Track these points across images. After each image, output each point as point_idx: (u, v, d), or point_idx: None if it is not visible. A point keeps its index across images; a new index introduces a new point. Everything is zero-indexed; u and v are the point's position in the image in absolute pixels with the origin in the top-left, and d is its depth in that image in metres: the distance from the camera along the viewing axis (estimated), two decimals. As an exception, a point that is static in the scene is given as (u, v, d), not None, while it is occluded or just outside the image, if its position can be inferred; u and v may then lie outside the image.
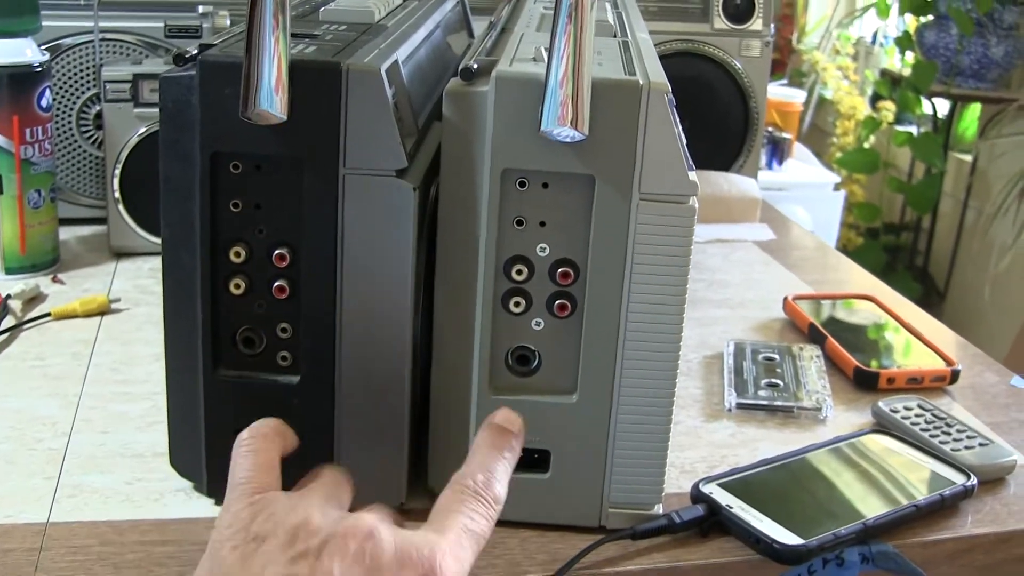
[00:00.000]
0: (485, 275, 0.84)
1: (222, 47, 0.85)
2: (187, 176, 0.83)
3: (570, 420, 0.87)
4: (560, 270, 0.84)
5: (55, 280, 1.39)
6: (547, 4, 1.18)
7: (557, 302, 0.85)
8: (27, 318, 1.26)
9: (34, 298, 1.33)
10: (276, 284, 0.85)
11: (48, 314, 1.27)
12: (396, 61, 0.87)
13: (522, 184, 0.83)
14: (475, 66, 0.83)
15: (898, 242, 4.08)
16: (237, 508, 0.69)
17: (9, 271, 1.38)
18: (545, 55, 0.79)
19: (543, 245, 0.84)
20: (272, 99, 0.77)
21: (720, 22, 1.79)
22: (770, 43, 1.81)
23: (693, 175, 0.82)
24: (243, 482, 0.71)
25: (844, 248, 3.95)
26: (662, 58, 1.70)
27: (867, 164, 3.98)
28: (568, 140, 0.79)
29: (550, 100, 0.77)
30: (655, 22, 1.75)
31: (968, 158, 3.82)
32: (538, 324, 0.86)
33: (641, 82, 0.80)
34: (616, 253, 0.83)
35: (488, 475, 0.75)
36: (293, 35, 0.88)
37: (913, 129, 3.90)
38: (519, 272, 0.84)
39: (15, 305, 1.29)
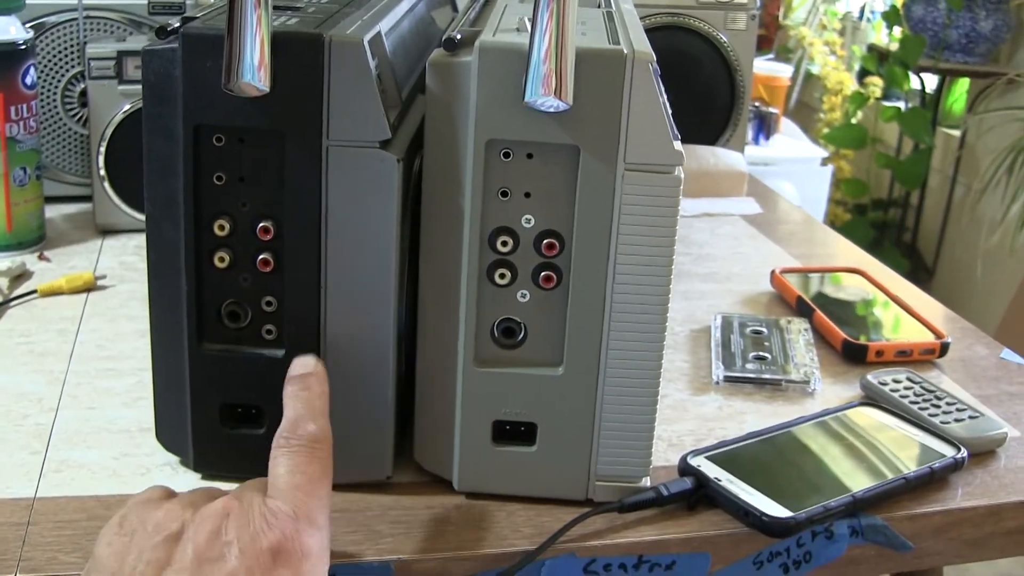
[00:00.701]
0: (470, 247, 0.84)
1: (204, 20, 0.85)
2: (170, 150, 0.83)
3: (556, 393, 0.87)
4: (545, 241, 0.84)
5: (41, 258, 1.38)
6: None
7: (543, 273, 0.85)
8: (13, 295, 1.26)
9: (20, 275, 1.32)
10: (260, 257, 0.84)
11: (34, 291, 1.27)
12: (379, 33, 0.86)
13: (506, 155, 0.82)
14: (458, 36, 0.83)
15: (886, 218, 4.08)
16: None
17: (-5, 249, 1.38)
18: (528, 25, 0.79)
19: (528, 216, 0.84)
20: (254, 71, 0.77)
21: (706, -5, 1.78)
22: (756, 16, 1.80)
23: (678, 145, 0.82)
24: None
25: (832, 224, 3.96)
26: (647, 31, 1.70)
27: (855, 140, 3.98)
28: (552, 110, 0.79)
29: (534, 70, 0.77)
30: (641, -5, 1.75)
31: (956, 133, 3.82)
32: (523, 296, 0.86)
33: (625, 51, 0.80)
34: (601, 224, 0.83)
35: (290, 422, 0.77)
36: (275, 7, 0.87)
37: (901, 104, 3.91)
38: (504, 244, 0.84)
39: (2, 283, 1.28)
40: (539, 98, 0.78)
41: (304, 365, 0.82)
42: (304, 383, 0.80)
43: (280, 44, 0.79)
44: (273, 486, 0.74)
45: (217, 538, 0.69)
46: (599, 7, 1.00)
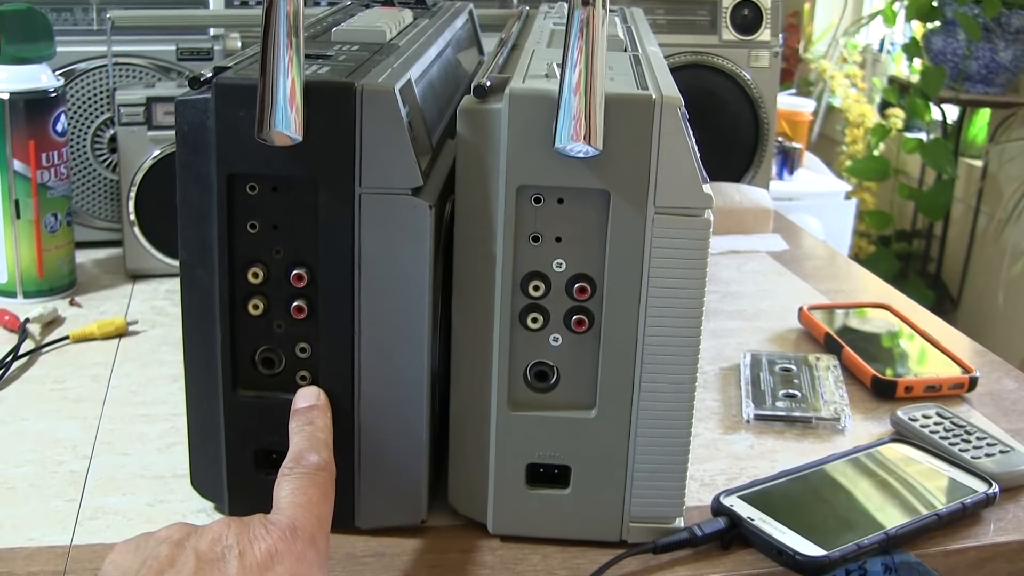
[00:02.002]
0: (502, 291, 0.85)
1: (236, 69, 0.86)
2: (204, 198, 0.83)
3: (589, 435, 0.87)
4: (577, 285, 0.85)
5: (72, 303, 1.39)
6: (557, 20, 1.18)
7: (574, 317, 0.85)
8: (46, 341, 1.27)
9: (52, 321, 1.33)
10: (294, 304, 0.85)
11: (66, 337, 1.28)
12: (409, 80, 0.87)
13: (537, 200, 0.83)
14: (488, 83, 0.84)
15: (910, 249, 4.07)
16: None
17: (27, 295, 1.39)
18: (557, 71, 0.79)
19: (559, 260, 0.84)
20: (287, 120, 0.78)
21: (728, 33, 1.79)
22: (779, 53, 1.81)
23: (707, 188, 0.82)
24: None
25: (856, 256, 3.95)
26: (671, 70, 1.71)
27: (877, 172, 3.98)
28: (582, 156, 0.79)
29: (564, 116, 0.78)
30: (664, 35, 1.75)
31: (979, 163, 3.81)
32: (556, 340, 0.86)
33: (654, 96, 0.80)
34: (632, 267, 0.83)
35: (294, 454, 0.81)
36: (306, 56, 0.88)
37: (923, 135, 3.90)
38: (536, 288, 0.85)
39: (34, 329, 1.29)
40: (569, 144, 0.78)
41: (307, 397, 0.85)
42: (308, 417, 0.84)
43: (312, 93, 0.79)
44: (275, 507, 0.77)
45: (218, 542, 0.72)
46: (625, 51, 1.01)
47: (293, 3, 0.76)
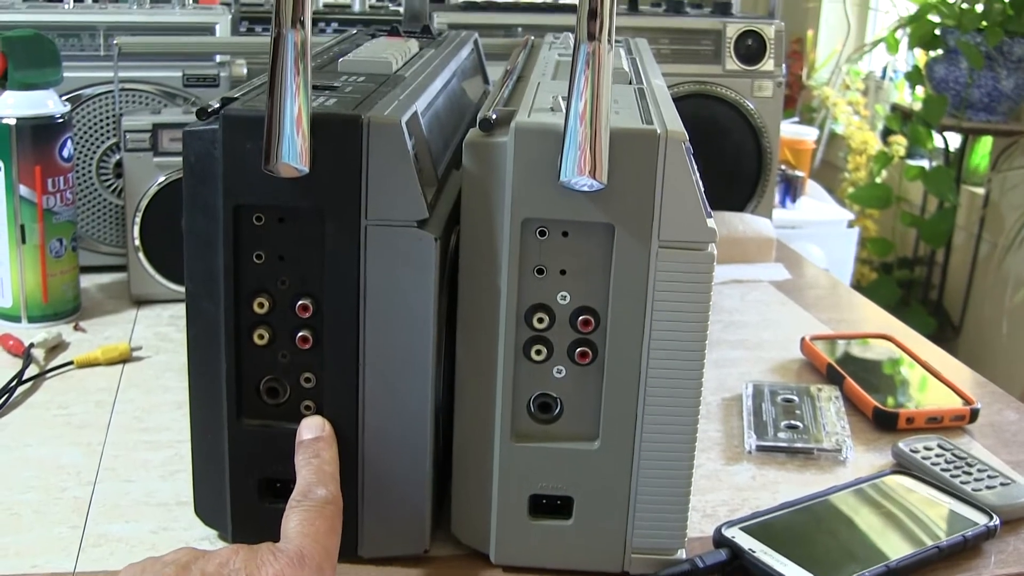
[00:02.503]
0: (506, 323, 0.85)
1: (243, 100, 0.86)
2: (210, 228, 0.84)
3: (592, 467, 0.88)
4: (581, 318, 0.85)
5: (77, 328, 1.40)
6: (562, 51, 1.19)
7: (578, 350, 0.86)
8: (50, 367, 1.27)
9: (56, 346, 1.34)
10: (300, 334, 0.86)
11: (71, 362, 1.28)
12: (415, 112, 0.88)
13: (542, 233, 0.83)
14: (494, 116, 0.84)
15: (912, 276, 4.08)
16: None
17: (32, 320, 1.39)
18: (563, 104, 0.80)
19: (563, 293, 0.85)
20: (294, 152, 0.78)
21: (732, 63, 1.80)
22: (782, 83, 1.82)
23: (711, 222, 0.83)
24: None
25: (858, 283, 3.96)
26: (675, 100, 1.71)
27: (880, 199, 3.99)
28: (587, 190, 0.80)
29: (569, 150, 0.78)
30: (668, 64, 1.76)
31: (981, 191, 3.82)
32: (560, 372, 0.87)
33: (659, 131, 0.81)
34: (636, 301, 0.84)
35: (302, 488, 0.82)
36: (313, 87, 0.89)
37: (925, 163, 3.91)
38: (540, 320, 0.85)
39: (38, 354, 1.30)
40: (574, 178, 0.79)
41: (312, 429, 0.86)
42: (314, 449, 0.85)
43: (319, 125, 0.80)
44: (284, 537, 0.78)
45: (225, 567, 0.73)
46: (630, 83, 1.01)
47: (300, 34, 0.77)
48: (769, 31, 1.81)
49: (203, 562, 0.73)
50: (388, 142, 0.81)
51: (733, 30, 1.80)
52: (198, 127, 0.83)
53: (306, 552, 0.75)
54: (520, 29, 1.71)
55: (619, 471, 0.88)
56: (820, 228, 3.50)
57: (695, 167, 0.83)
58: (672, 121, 0.85)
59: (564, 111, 0.79)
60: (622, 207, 0.82)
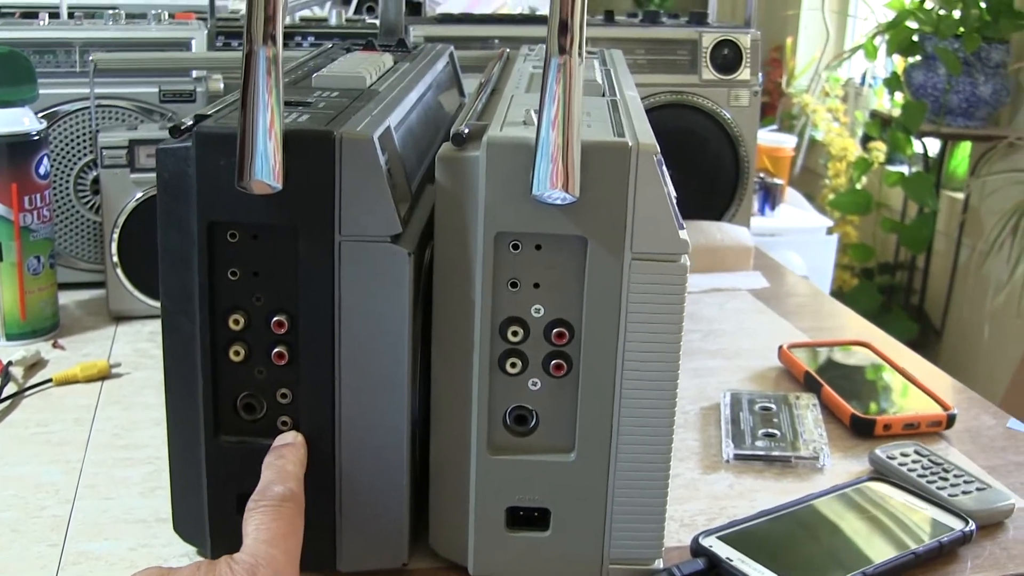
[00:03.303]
0: (481, 337, 0.85)
1: (216, 118, 0.86)
2: (185, 245, 0.84)
3: (569, 478, 0.88)
4: (555, 330, 0.85)
5: (56, 345, 1.40)
6: (536, 63, 1.19)
7: (553, 362, 0.86)
8: (28, 384, 1.27)
9: (35, 364, 1.34)
10: (275, 351, 0.86)
11: (49, 380, 1.28)
12: (388, 127, 0.88)
13: (515, 247, 0.84)
14: (466, 131, 0.84)
15: (893, 282, 4.09)
16: None
17: (10, 337, 1.39)
18: (535, 118, 0.80)
19: (538, 306, 0.85)
20: (267, 169, 0.78)
21: (708, 73, 1.80)
22: (758, 92, 1.82)
23: (684, 233, 0.83)
24: None
25: (839, 289, 3.97)
26: (652, 110, 1.73)
27: (860, 205, 4.00)
28: (560, 203, 0.80)
29: (541, 164, 0.79)
30: (644, 75, 1.77)
31: (960, 196, 3.83)
32: (535, 384, 0.87)
33: (630, 143, 0.81)
34: (610, 312, 0.84)
35: (261, 485, 0.82)
36: (286, 103, 0.89)
37: (904, 169, 3.92)
38: (515, 333, 0.86)
39: (16, 372, 1.30)
40: (546, 191, 0.79)
41: (282, 438, 0.87)
42: (279, 452, 0.85)
43: (292, 142, 0.80)
44: (243, 544, 0.78)
45: None
46: (604, 95, 1.02)
47: (272, 50, 0.77)
48: (745, 40, 1.82)
49: None
50: (360, 158, 0.81)
51: (709, 40, 1.81)
52: (171, 145, 0.83)
53: (261, 559, 0.76)
54: (497, 41, 1.72)
55: (595, 482, 0.88)
56: (799, 235, 3.52)
57: (667, 179, 0.83)
58: (644, 133, 0.85)
59: (536, 125, 0.79)
60: (594, 220, 0.82)
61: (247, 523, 0.79)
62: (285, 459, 0.84)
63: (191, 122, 0.85)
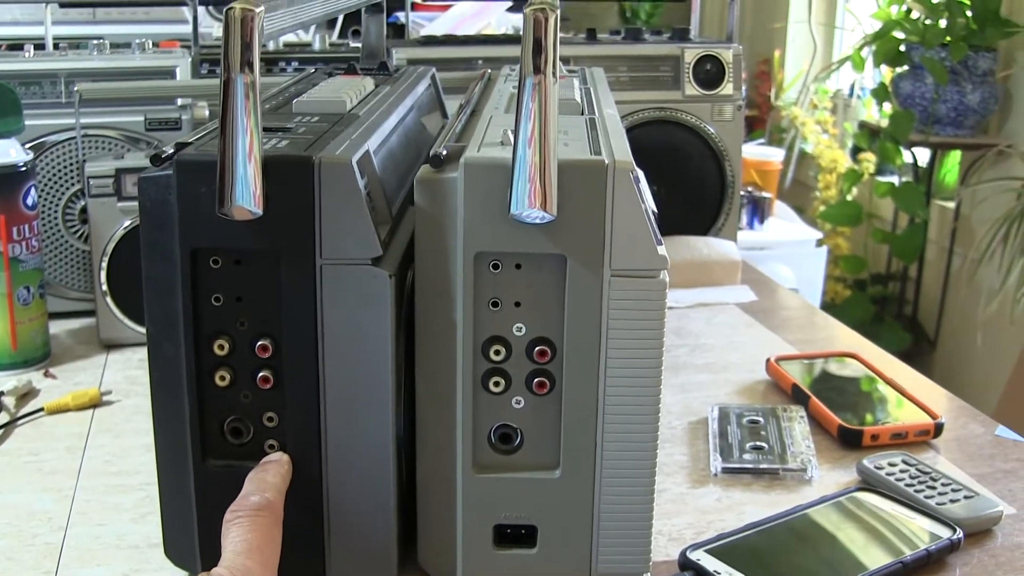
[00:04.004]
0: (464, 357, 0.86)
1: (197, 145, 0.87)
2: (168, 272, 0.85)
3: (555, 495, 0.88)
4: (537, 348, 0.86)
5: (47, 375, 1.40)
6: (516, 83, 1.19)
7: (536, 380, 0.87)
8: (20, 414, 1.28)
9: (27, 394, 1.34)
10: (260, 375, 0.86)
11: (41, 409, 1.28)
12: (367, 151, 0.88)
13: (495, 266, 0.84)
14: (444, 152, 0.85)
15: (885, 292, 4.09)
16: None
17: (1, 368, 1.39)
18: (512, 138, 0.81)
19: (519, 325, 0.86)
20: (247, 195, 0.79)
21: (691, 88, 1.81)
22: (742, 107, 1.83)
23: (662, 249, 0.84)
24: None
25: (831, 301, 3.97)
26: (636, 127, 1.73)
27: (850, 216, 4.00)
28: (538, 222, 0.81)
29: (518, 183, 0.79)
30: (627, 91, 1.77)
31: (951, 205, 3.84)
32: (518, 402, 0.87)
33: (606, 161, 0.82)
34: (591, 329, 0.84)
35: (240, 496, 0.83)
36: (267, 129, 0.90)
37: (895, 179, 3.93)
38: (497, 352, 0.86)
39: (8, 401, 1.30)
40: (524, 211, 0.80)
41: (270, 457, 0.87)
42: (262, 467, 0.86)
43: (271, 167, 0.81)
44: (221, 559, 0.78)
45: None
46: (582, 114, 1.02)
47: (250, 77, 0.78)
48: (727, 55, 1.83)
49: None
50: (340, 182, 0.82)
51: (691, 55, 1.82)
52: (153, 173, 0.84)
53: (238, 571, 0.76)
54: (480, 62, 1.73)
55: (581, 498, 0.88)
56: (789, 248, 3.52)
57: (646, 195, 0.84)
58: (621, 151, 0.86)
59: (512, 145, 0.80)
60: (573, 238, 0.83)
61: (225, 536, 0.80)
62: (266, 471, 0.85)
63: (172, 150, 0.85)
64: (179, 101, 1.57)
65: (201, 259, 0.84)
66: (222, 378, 0.87)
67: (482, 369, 0.87)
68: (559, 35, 0.79)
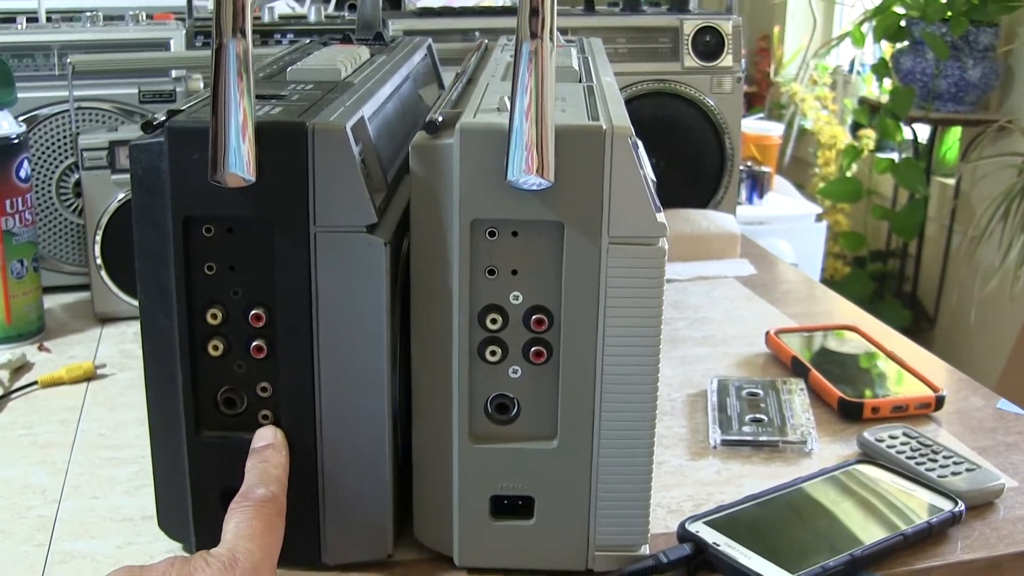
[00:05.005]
0: (460, 326, 0.85)
1: (189, 112, 0.86)
2: (161, 241, 0.84)
3: (552, 465, 0.88)
4: (534, 317, 0.85)
5: (41, 348, 1.39)
6: (513, 52, 1.18)
7: (533, 349, 0.86)
8: (14, 388, 1.27)
9: (21, 367, 1.33)
10: (254, 344, 0.86)
11: (35, 383, 1.28)
12: (362, 117, 0.88)
13: (492, 234, 0.83)
14: (440, 119, 0.84)
15: (885, 269, 4.09)
16: None
17: (-5, 341, 1.39)
18: (508, 104, 0.80)
19: (516, 293, 0.85)
20: (240, 162, 0.78)
21: (691, 60, 1.80)
22: (741, 79, 1.82)
23: (661, 216, 0.83)
24: None
25: (831, 278, 3.96)
26: (635, 99, 1.72)
27: (850, 193, 3.99)
28: (535, 188, 0.80)
29: (515, 149, 0.78)
30: (626, 63, 1.76)
31: (951, 182, 3.83)
32: (515, 372, 0.87)
33: (604, 127, 0.81)
34: (588, 298, 0.84)
35: (244, 488, 0.83)
36: (260, 96, 0.89)
37: (895, 155, 3.91)
38: (493, 321, 0.85)
39: (3, 375, 1.29)
40: (521, 177, 0.79)
41: (263, 437, 0.86)
42: (262, 455, 0.85)
43: (264, 134, 0.80)
44: (221, 540, 0.78)
45: None
46: (580, 81, 1.01)
47: (242, 44, 0.77)
48: (727, 27, 1.81)
49: None
50: (333, 148, 0.81)
51: (690, 27, 1.80)
52: (144, 140, 0.83)
53: (239, 554, 0.75)
54: (477, 33, 1.72)
55: (579, 469, 0.88)
56: (788, 223, 3.51)
57: (644, 162, 0.83)
58: (619, 117, 0.85)
59: (509, 110, 0.79)
60: (570, 204, 0.82)
61: (227, 522, 0.79)
62: (268, 463, 0.84)
63: (164, 118, 0.84)
64: (173, 73, 1.56)
65: (193, 227, 0.83)
66: (215, 348, 0.86)
67: (478, 338, 0.86)
68: (556, 3, 0.78)
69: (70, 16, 1.69)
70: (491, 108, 0.87)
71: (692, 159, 1.82)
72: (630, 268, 0.83)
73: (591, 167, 0.81)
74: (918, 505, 0.99)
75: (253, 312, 0.85)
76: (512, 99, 0.78)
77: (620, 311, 0.84)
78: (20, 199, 1.37)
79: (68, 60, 1.49)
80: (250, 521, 0.79)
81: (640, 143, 0.83)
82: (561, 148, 0.80)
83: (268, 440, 0.86)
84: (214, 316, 0.85)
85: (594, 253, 0.83)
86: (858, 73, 4.50)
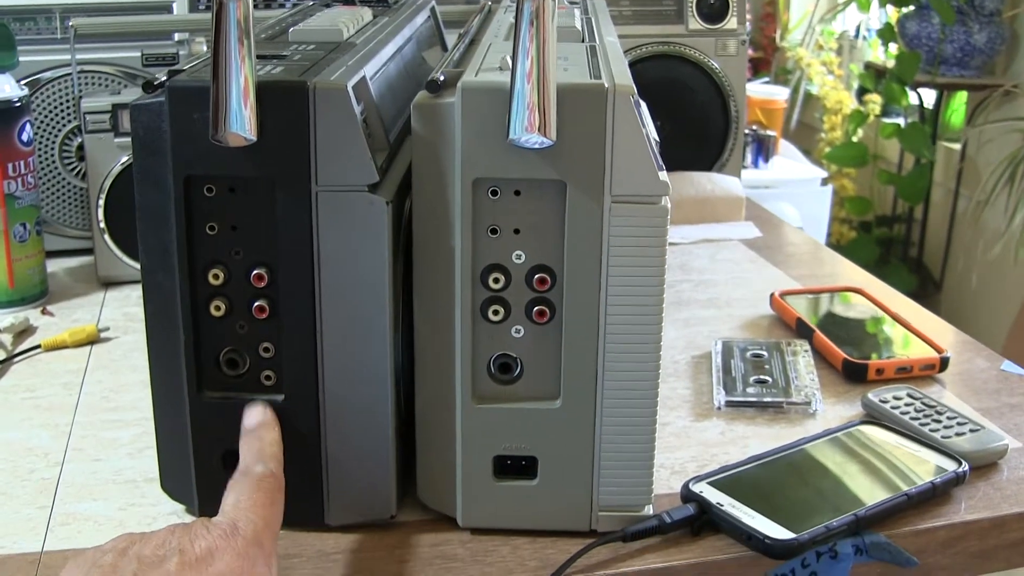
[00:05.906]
0: (462, 285, 0.85)
1: (190, 72, 0.86)
2: (162, 202, 0.84)
3: (555, 425, 0.87)
4: (537, 276, 0.85)
5: (44, 312, 1.39)
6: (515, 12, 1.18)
7: (535, 308, 0.85)
8: (17, 351, 1.27)
9: (24, 331, 1.33)
10: (256, 304, 0.85)
11: (38, 346, 1.27)
12: (364, 77, 0.87)
13: (494, 193, 0.83)
14: (442, 78, 0.84)
15: (891, 234, 4.08)
16: None
17: (-2, 305, 1.39)
18: (510, 63, 0.79)
19: (518, 252, 0.84)
20: (241, 121, 0.78)
21: (695, 23, 1.79)
22: (746, 41, 1.81)
23: (664, 175, 0.82)
24: None
25: (837, 243, 3.95)
26: (639, 61, 1.71)
27: (856, 158, 3.98)
28: (537, 147, 0.79)
29: (517, 108, 0.78)
30: (629, 26, 1.76)
31: (957, 146, 3.82)
32: (518, 331, 0.86)
33: (606, 85, 0.80)
34: (591, 256, 0.83)
35: (242, 466, 0.83)
36: (262, 56, 0.88)
37: (900, 120, 3.90)
38: (496, 280, 0.85)
39: (5, 339, 1.29)
40: (523, 135, 0.78)
41: (253, 415, 0.87)
42: (257, 434, 0.85)
43: (265, 93, 0.80)
44: (220, 511, 0.78)
45: (161, 547, 0.72)
46: (583, 41, 1.01)
47: (243, 4, 0.76)
48: (731, -11, 1.81)
49: (140, 546, 0.73)
50: (335, 107, 0.80)
51: (695, -11, 1.80)
52: (145, 100, 0.83)
53: (240, 523, 0.75)
54: (480, -5, 1.71)
55: (582, 429, 0.87)
56: (794, 187, 3.50)
57: (647, 121, 0.83)
58: (621, 76, 0.84)
59: (511, 69, 0.78)
60: (573, 163, 0.81)
61: (226, 496, 0.79)
62: (263, 440, 0.85)
63: (164, 77, 0.84)
64: (176, 36, 1.56)
65: (195, 187, 0.83)
66: (217, 308, 0.86)
67: (481, 298, 0.86)
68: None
69: (72, -21, 1.68)
70: (493, 67, 0.87)
71: (696, 122, 1.81)
72: (633, 227, 0.83)
73: (593, 125, 0.81)
74: (922, 466, 0.99)
75: (255, 272, 0.85)
76: (513, 58, 0.78)
77: (623, 270, 0.83)
78: (23, 162, 1.36)
79: (70, 23, 1.49)
80: (251, 493, 0.79)
81: (643, 103, 0.83)
82: (563, 107, 0.79)
83: (259, 418, 0.86)
84: (216, 276, 0.85)
85: (596, 212, 0.82)
86: (864, 38, 4.49)
